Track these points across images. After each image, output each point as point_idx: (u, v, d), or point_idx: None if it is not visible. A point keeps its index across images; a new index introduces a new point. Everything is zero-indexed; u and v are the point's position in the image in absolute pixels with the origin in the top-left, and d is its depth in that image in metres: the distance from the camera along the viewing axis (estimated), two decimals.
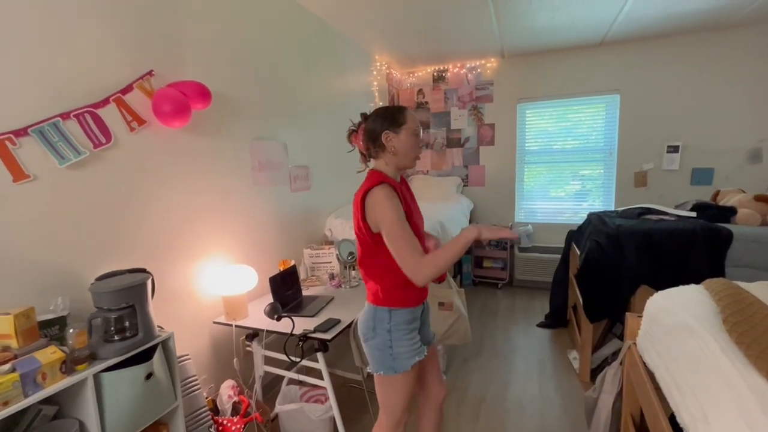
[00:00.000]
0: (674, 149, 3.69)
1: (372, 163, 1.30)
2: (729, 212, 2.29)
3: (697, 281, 2.06)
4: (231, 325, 1.83)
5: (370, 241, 1.20)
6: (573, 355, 2.66)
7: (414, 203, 1.34)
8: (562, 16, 3.04)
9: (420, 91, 4.52)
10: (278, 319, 1.65)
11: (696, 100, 3.56)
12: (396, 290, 1.22)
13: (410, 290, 1.23)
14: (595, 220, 2.69)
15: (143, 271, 1.42)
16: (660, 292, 1.35)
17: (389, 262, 1.16)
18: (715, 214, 2.32)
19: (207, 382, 1.94)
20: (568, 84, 3.94)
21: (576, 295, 2.80)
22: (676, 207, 2.63)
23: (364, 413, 2.11)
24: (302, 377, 1.83)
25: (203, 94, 1.73)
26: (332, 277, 2.41)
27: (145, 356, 1.31)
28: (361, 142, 1.30)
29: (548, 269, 3.95)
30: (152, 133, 1.65)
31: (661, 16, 3.07)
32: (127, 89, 1.54)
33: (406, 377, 1.24)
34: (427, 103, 4.51)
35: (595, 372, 2.41)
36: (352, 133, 1.33)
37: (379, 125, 1.23)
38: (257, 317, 1.86)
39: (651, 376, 1.15)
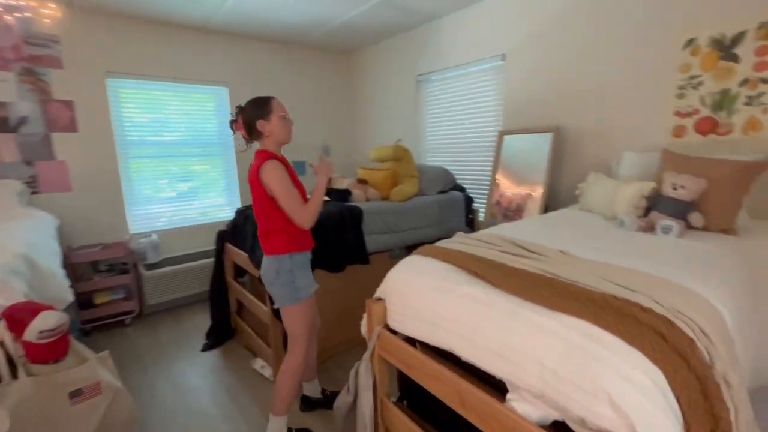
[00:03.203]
0: None
1: (257, 144, 1.67)
2: (347, 194, 2.86)
3: (352, 253, 2.44)
4: None
5: (268, 205, 1.60)
6: (259, 363, 2.44)
7: (294, 174, 1.66)
8: None
9: None
10: None
11: (290, 102, 4.16)
12: (291, 241, 1.63)
13: (301, 239, 1.66)
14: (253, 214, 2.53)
15: None
16: (392, 271, 1.43)
17: (284, 221, 1.60)
18: (340, 196, 2.82)
19: None
20: (175, 66, 3.40)
21: (242, 299, 2.57)
22: (310, 193, 2.97)
23: None
24: None
25: None
26: None
27: None
28: (242, 130, 1.64)
29: (189, 281, 3.40)
30: None
31: (261, 18, 3.25)
32: None
33: (307, 305, 1.69)
34: None
35: None
36: (233, 123, 1.68)
37: (254, 116, 1.59)
38: None
39: (432, 350, 1.19)
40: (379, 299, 1.42)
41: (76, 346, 1.64)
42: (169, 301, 3.35)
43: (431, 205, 2.96)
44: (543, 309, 0.94)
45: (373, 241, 2.55)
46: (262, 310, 2.31)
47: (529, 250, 1.32)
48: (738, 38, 1.96)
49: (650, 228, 1.66)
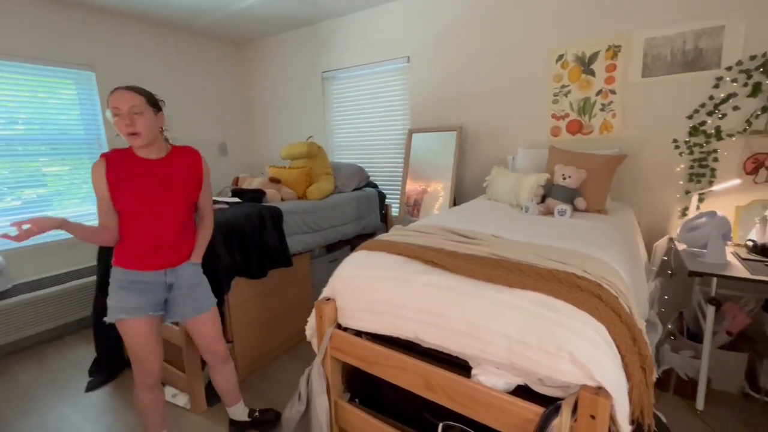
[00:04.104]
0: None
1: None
2: (261, 194, 2.67)
3: (275, 256, 2.30)
4: None
5: None
6: (171, 392, 2.12)
7: (157, 181, 1.38)
8: None
9: None
10: None
11: (176, 94, 3.67)
12: (119, 252, 1.41)
13: (124, 254, 1.40)
14: None
15: None
16: (341, 269, 1.39)
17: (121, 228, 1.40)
18: (253, 197, 2.62)
19: None
20: (13, 41, 2.70)
21: None
22: (218, 194, 2.69)
23: None
24: None
25: None
26: None
27: None
28: None
29: (55, 310, 2.75)
30: None
31: None
32: None
33: (123, 328, 1.40)
34: None
35: (212, 393, 2.07)
36: None
37: None
38: None
39: (394, 342, 1.20)
40: (328, 299, 1.38)
41: None
42: (28, 337, 2.66)
43: (350, 202, 2.96)
44: (501, 287, 1.04)
45: (294, 242, 2.44)
46: (171, 331, 2.01)
47: (467, 237, 1.43)
48: (594, 57, 2.44)
49: (549, 212, 1.96)
